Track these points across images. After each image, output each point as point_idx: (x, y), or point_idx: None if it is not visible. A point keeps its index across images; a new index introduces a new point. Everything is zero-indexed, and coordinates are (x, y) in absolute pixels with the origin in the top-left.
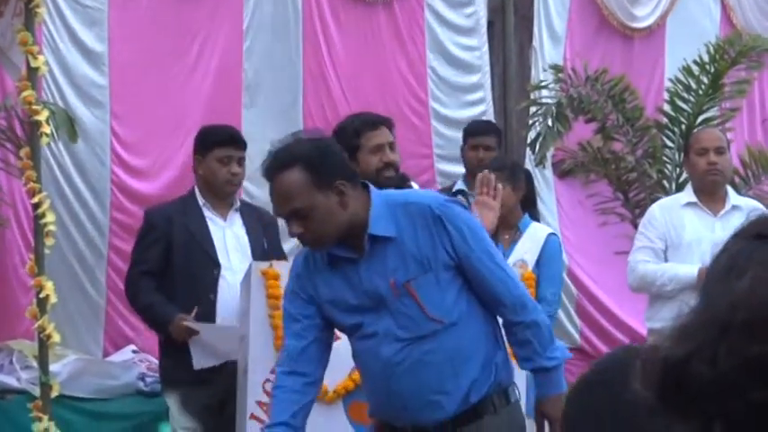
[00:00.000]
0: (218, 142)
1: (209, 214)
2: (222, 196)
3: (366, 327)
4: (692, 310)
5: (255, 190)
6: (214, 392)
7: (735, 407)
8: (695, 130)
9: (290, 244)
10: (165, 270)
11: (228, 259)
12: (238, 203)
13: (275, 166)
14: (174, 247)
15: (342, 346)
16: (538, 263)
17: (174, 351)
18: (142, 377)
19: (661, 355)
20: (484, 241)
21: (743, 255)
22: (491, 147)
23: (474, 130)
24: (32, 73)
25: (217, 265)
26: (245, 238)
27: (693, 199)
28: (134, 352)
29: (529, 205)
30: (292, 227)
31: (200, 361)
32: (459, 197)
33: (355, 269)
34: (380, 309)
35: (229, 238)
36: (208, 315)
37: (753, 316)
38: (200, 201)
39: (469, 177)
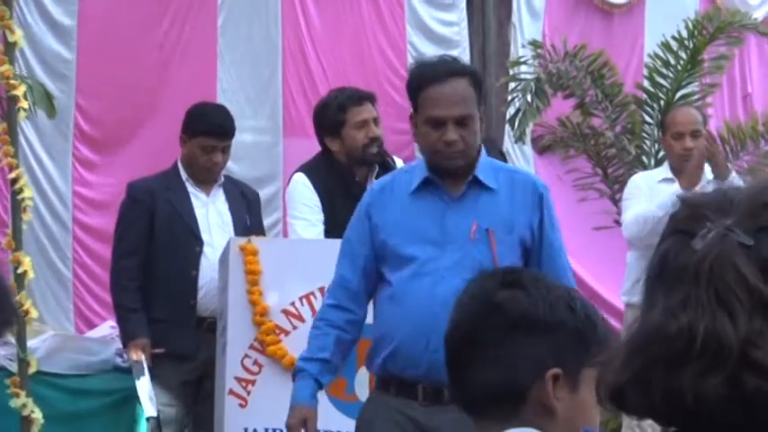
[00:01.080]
0: (203, 131)
1: (192, 190)
2: (202, 179)
3: (425, 262)
4: (634, 326)
5: (234, 166)
6: (192, 368)
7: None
8: (672, 109)
9: (272, 218)
10: (148, 246)
11: (211, 235)
12: (222, 179)
13: (450, 70)
14: (157, 221)
15: None
16: None
17: (151, 326)
18: (120, 353)
19: (606, 378)
20: (560, 232)
21: (666, 262)
22: None
23: None
24: (9, 48)
25: (199, 241)
26: (228, 215)
27: (670, 175)
28: (112, 327)
29: None
30: (451, 133)
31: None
32: None
33: (442, 203)
34: (450, 246)
35: (212, 214)
36: (189, 291)
37: (667, 350)
38: (184, 176)
39: None
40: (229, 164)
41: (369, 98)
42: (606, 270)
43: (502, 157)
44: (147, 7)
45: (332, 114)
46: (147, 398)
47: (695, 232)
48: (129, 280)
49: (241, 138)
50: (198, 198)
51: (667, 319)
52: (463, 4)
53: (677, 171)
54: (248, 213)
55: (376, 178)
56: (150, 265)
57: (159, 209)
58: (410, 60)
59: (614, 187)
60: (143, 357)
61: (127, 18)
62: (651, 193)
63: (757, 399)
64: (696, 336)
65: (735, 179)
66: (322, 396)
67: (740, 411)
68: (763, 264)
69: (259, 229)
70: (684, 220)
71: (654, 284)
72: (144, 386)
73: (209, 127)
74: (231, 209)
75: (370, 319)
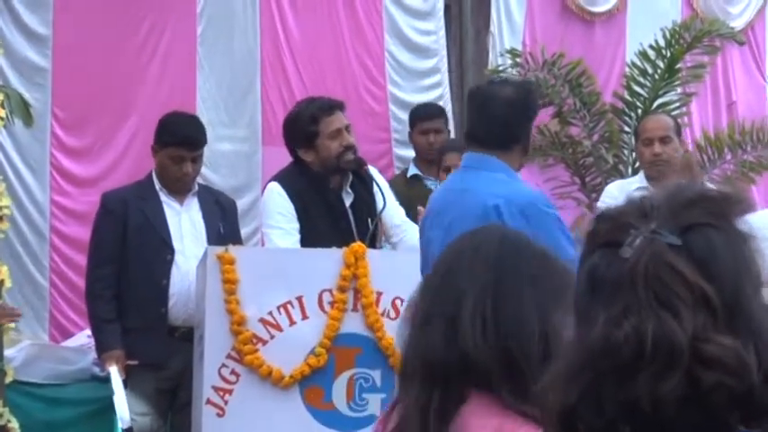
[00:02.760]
0: (173, 142)
1: (165, 199)
2: (174, 189)
3: None
4: (571, 342)
5: (212, 175)
6: (166, 377)
7: None
8: (644, 117)
9: (250, 227)
10: (121, 256)
11: (183, 244)
12: (196, 187)
13: None
14: (129, 230)
15: (297, 331)
16: None
17: (126, 335)
18: (97, 362)
19: (551, 403)
20: None
21: (596, 276)
22: (441, 130)
23: (422, 114)
24: None
25: (171, 251)
26: (201, 223)
27: (645, 183)
28: (89, 337)
29: None
30: None
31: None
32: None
33: None
34: None
35: (185, 223)
36: (160, 300)
37: (616, 360)
38: (157, 185)
39: (422, 163)
40: (208, 173)
41: (339, 106)
42: None
43: None
44: (124, 16)
45: (304, 126)
46: (121, 410)
47: (621, 241)
48: (104, 289)
49: (220, 147)
50: (171, 207)
51: (611, 329)
52: (441, 13)
53: (652, 178)
54: (222, 222)
55: (350, 186)
56: (122, 273)
57: (131, 218)
58: (388, 69)
59: (592, 196)
60: (116, 369)
61: (103, 27)
62: None
63: (717, 394)
64: (645, 340)
65: None
66: (299, 405)
67: (700, 410)
68: (696, 260)
69: (234, 238)
70: (607, 233)
71: (588, 301)
72: (119, 398)
73: (178, 138)
74: (205, 217)
75: (348, 328)
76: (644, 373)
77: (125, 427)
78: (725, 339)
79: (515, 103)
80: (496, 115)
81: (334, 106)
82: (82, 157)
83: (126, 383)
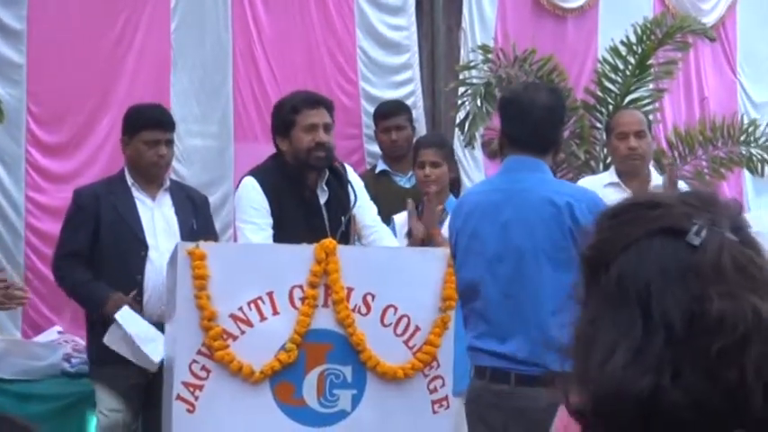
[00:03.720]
0: (146, 125)
1: (137, 194)
2: (149, 178)
3: None
4: (624, 326)
5: (184, 170)
6: (139, 372)
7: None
8: (616, 112)
9: (221, 223)
10: (93, 251)
11: (156, 239)
12: (168, 183)
13: None
14: (102, 227)
15: (267, 326)
16: None
17: (101, 331)
18: (68, 358)
19: (620, 386)
20: None
21: (666, 259)
22: (402, 126)
23: (384, 112)
24: None
25: (144, 246)
26: (174, 219)
27: (616, 179)
28: (59, 333)
29: (454, 186)
30: None
31: (111, 339)
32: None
33: None
34: None
35: (158, 219)
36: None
37: (729, 336)
38: (129, 181)
39: (388, 159)
40: (180, 168)
41: (324, 104)
42: None
43: None
44: (99, 11)
45: (284, 114)
46: (148, 348)
47: (684, 229)
48: (74, 266)
49: (192, 142)
50: (143, 203)
51: (722, 306)
52: (412, 9)
53: (623, 173)
54: (195, 217)
55: (326, 184)
56: (96, 270)
57: (104, 214)
58: (360, 65)
59: None
60: (126, 309)
61: (78, 23)
62: None
63: None
64: (762, 321)
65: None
66: (270, 401)
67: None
68: (761, 257)
69: (207, 233)
70: (667, 219)
71: (662, 282)
72: (143, 334)
73: (151, 121)
74: (177, 213)
75: (319, 324)
76: (753, 351)
77: (158, 361)
78: None
79: (554, 109)
80: (538, 121)
81: (318, 101)
82: (57, 154)
83: (98, 377)
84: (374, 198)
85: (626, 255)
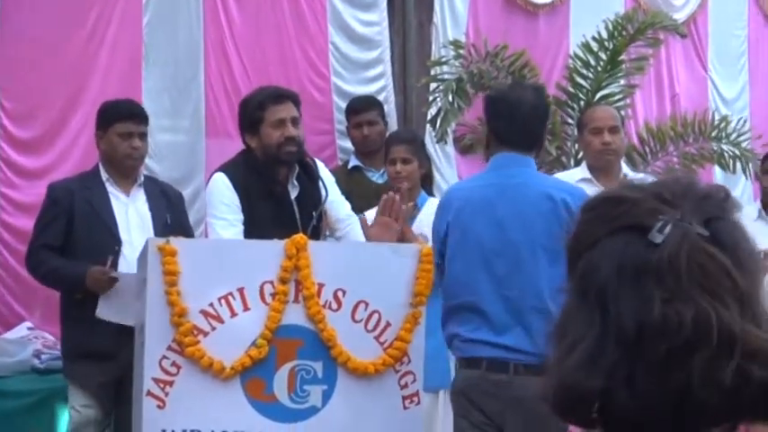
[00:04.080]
0: (119, 117)
1: (112, 190)
2: (124, 171)
3: None
4: (584, 325)
5: (155, 165)
6: (111, 368)
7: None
8: (589, 108)
9: (192, 218)
10: (67, 246)
11: (130, 235)
12: (142, 179)
13: None
14: (76, 222)
15: (238, 322)
16: None
17: (74, 324)
18: (38, 354)
19: (572, 385)
20: None
21: (625, 259)
22: (374, 121)
23: (355, 107)
24: None
25: (118, 242)
26: (148, 215)
27: (588, 175)
28: (29, 329)
29: (426, 181)
30: None
31: (104, 311)
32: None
33: None
34: None
35: (132, 215)
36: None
37: (669, 343)
38: (104, 176)
39: (361, 155)
40: (151, 163)
41: (290, 97)
42: None
43: None
44: (71, 6)
45: (251, 111)
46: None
47: (648, 226)
48: (48, 256)
49: (164, 138)
50: (117, 198)
51: (668, 311)
52: (384, 4)
53: (595, 169)
54: (169, 212)
55: (296, 179)
56: None
57: (78, 209)
58: (332, 60)
59: None
60: (110, 271)
61: (50, 17)
62: None
63: (761, 388)
64: (708, 326)
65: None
66: (240, 397)
67: (745, 401)
68: (728, 252)
69: (182, 229)
70: (631, 216)
71: (619, 282)
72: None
73: (124, 113)
74: (151, 208)
75: (290, 320)
76: (699, 358)
77: None
78: (760, 332)
79: (539, 107)
80: (525, 118)
81: (283, 96)
82: (30, 149)
83: (70, 373)
84: (347, 194)
85: (590, 252)
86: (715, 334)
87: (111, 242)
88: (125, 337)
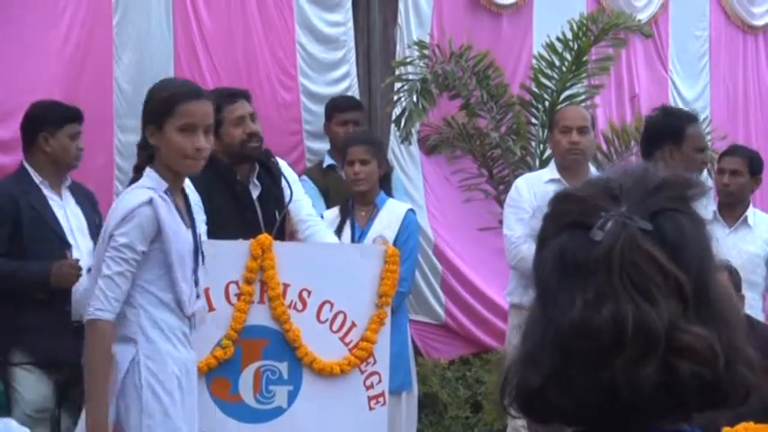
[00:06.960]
0: (70, 118)
1: (47, 193)
2: (65, 173)
3: None
4: (535, 323)
5: (125, 165)
6: (57, 374)
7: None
8: (560, 108)
9: None
10: (12, 252)
11: (75, 239)
12: (69, 180)
13: None
14: (24, 226)
15: (205, 322)
16: (397, 239)
17: (18, 331)
18: None
19: (517, 381)
20: None
21: (566, 258)
22: (359, 122)
23: (342, 105)
24: None
25: (67, 245)
26: (82, 216)
27: (556, 176)
28: None
29: (385, 182)
30: None
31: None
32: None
33: None
34: None
35: (71, 217)
36: (60, 295)
37: (592, 343)
38: (37, 179)
39: (337, 153)
40: (121, 162)
41: (242, 95)
42: (492, 270)
43: None
44: (44, 7)
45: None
46: None
47: (590, 224)
48: (4, 262)
49: (133, 137)
50: (54, 201)
51: (590, 313)
52: (349, 4)
53: (563, 169)
54: (94, 213)
55: (258, 178)
56: None
57: (24, 214)
58: (299, 60)
59: (500, 188)
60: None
61: (23, 17)
62: (536, 197)
63: (690, 382)
64: (625, 326)
65: None
66: (206, 397)
67: (670, 395)
68: (668, 246)
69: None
70: (575, 214)
71: (557, 282)
72: None
73: (71, 114)
74: (83, 211)
75: (255, 320)
76: (622, 357)
77: None
78: (698, 329)
79: None
80: None
81: (235, 94)
82: (10, 152)
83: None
84: (324, 192)
85: (540, 251)
86: (630, 333)
87: (60, 246)
88: (76, 341)
